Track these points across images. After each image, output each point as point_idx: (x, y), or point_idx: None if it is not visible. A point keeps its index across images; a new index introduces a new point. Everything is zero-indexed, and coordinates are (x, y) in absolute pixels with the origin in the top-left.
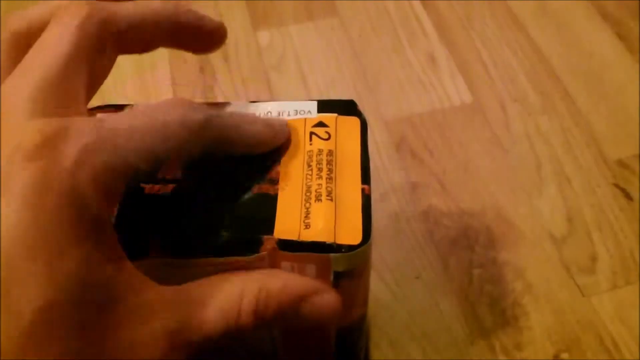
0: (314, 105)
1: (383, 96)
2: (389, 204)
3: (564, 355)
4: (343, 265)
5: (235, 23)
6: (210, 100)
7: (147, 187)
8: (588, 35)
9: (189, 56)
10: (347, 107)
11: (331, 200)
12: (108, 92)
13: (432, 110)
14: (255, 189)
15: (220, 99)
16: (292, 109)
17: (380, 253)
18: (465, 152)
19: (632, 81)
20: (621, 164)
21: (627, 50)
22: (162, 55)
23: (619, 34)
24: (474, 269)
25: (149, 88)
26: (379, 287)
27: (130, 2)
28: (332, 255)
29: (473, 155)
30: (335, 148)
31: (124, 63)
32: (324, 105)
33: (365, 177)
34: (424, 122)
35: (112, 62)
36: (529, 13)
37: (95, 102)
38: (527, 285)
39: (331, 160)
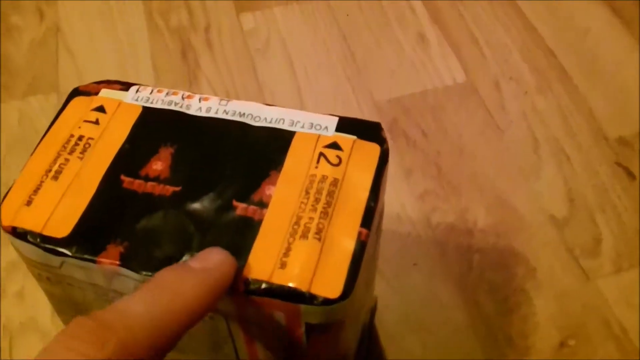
0: (333, 122)
1: (373, 78)
2: None
3: (571, 342)
4: (316, 318)
5: (218, 6)
6: (195, 94)
7: (127, 181)
8: (582, 11)
9: (170, 42)
10: (370, 130)
11: (319, 239)
12: (89, 79)
13: (424, 91)
14: (240, 209)
15: (204, 86)
16: (308, 121)
17: None
18: (460, 133)
19: (630, 58)
20: (622, 142)
21: (623, 26)
22: (142, 41)
23: (614, 9)
24: (474, 255)
25: (130, 75)
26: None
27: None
28: (302, 306)
29: (468, 136)
30: (343, 177)
31: (103, 48)
32: (345, 124)
33: (367, 220)
34: (416, 103)
35: None
36: None
37: (72, 84)
38: (530, 270)
39: (333, 191)
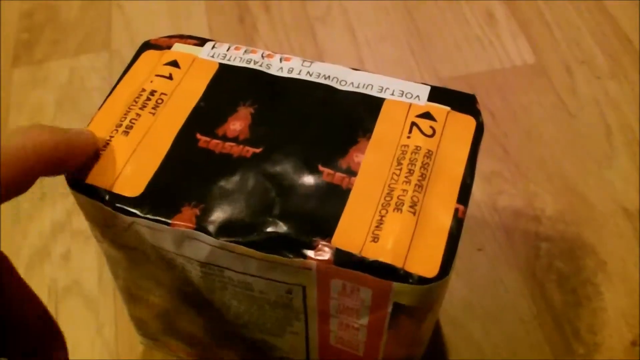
0: (424, 91)
1: (437, 53)
2: None
3: None
4: (406, 298)
5: None
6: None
7: (202, 140)
8: None
9: (227, 5)
10: (464, 102)
11: (414, 213)
12: (142, 39)
13: (492, 70)
14: (326, 175)
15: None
16: (398, 89)
17: None
18: (529, 116)
19: None
20: None
21: None
22: (198, 2)
23: None
24: (541, 243)
25: None
26: None
27: None
28: (395, 283)
29: (537, 119)
30: (437, 149)
31: (158, 9)
32: (437, 94)
33: (464, 195)
34: (483, 82)
35: None
36: None
37: (128, 50)
38: (600, 263)
39: (428, 163)
